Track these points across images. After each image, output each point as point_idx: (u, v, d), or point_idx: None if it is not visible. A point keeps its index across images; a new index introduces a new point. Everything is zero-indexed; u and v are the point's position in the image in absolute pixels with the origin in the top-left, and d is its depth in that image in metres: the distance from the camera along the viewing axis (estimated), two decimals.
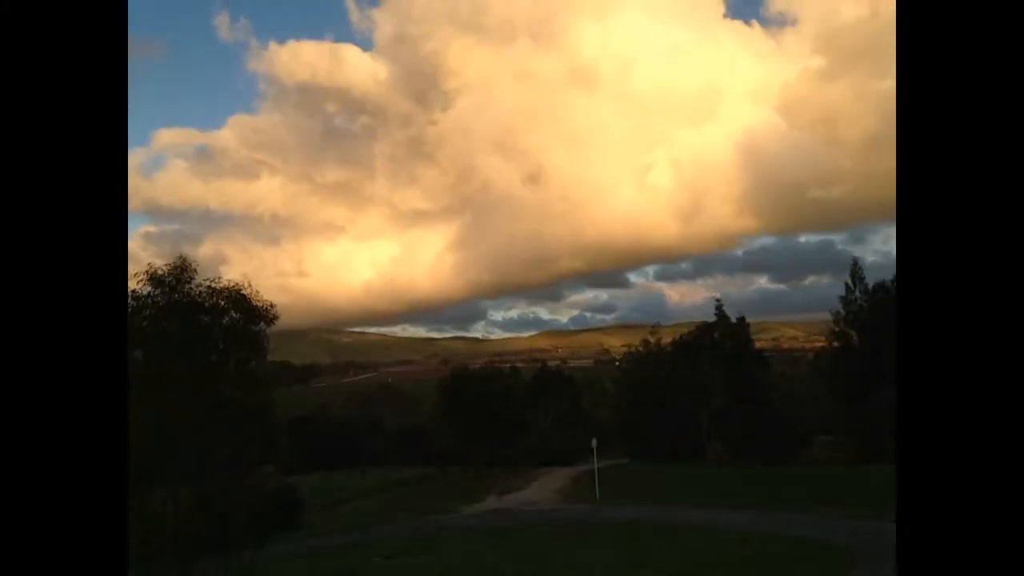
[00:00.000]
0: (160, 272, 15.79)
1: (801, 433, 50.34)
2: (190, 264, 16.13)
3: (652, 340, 61.89)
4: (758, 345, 61.85)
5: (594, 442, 37.89)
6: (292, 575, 20.64)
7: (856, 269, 48.16)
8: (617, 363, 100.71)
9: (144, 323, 15.52)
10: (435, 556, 21.65)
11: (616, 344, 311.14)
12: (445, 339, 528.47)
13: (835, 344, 49.55)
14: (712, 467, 47.34)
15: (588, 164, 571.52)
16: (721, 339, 54.83)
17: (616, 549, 20.86)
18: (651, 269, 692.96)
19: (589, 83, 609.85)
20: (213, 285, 16.26)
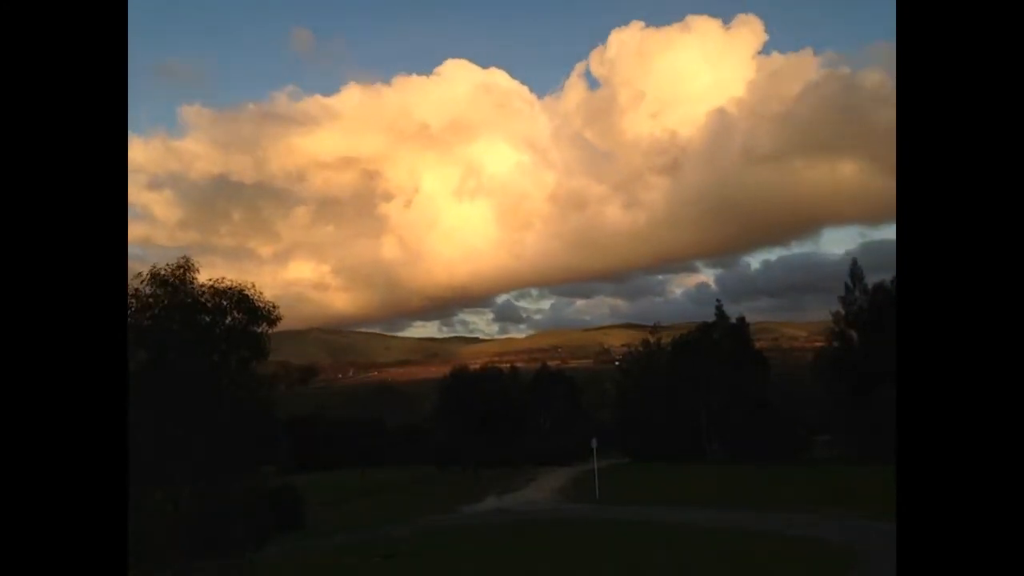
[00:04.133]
0: (163, 272, 15.77)
1: (801, 433, 50.38)
2: (193, 264, 16.12)
3: (652, 340, 61.99)
4: (758, 345, 61.96)
5: (594, 442, 37.90)
6: (292, 575, 20.62)
7: (856, 270, 48.16)
8: (617, 363, 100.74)
9: (147, 322, 15.51)
10: (435, 556, 21.64)
11: (616, 344, 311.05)
12: (445, 339, 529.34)
13: (835, 344, 49.54)
14: (712, 467, 47.34)
15: (424, 217, 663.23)
16: (721, 339, 54.90)
17: (616, 549, 20.86)
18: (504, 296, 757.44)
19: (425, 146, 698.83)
20: (216, 285, 16.25)
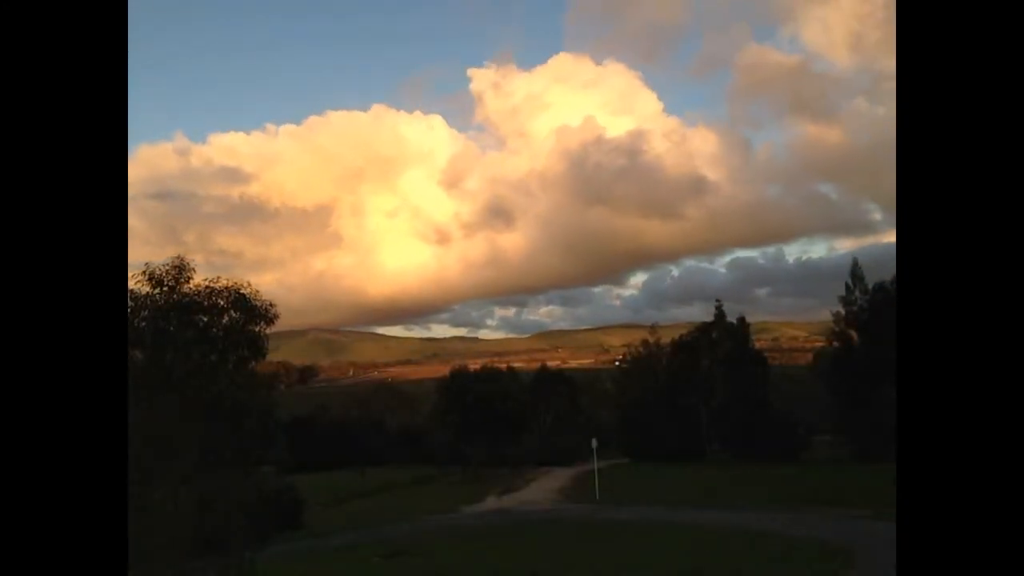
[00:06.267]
0: (159, 272, 15.75)
1: (801, 433, 50.43)
2: (188, 264, 16.09)
3: (652, 340, 62.03)
4: (758, 345, 61.95)
5: (594, 442, 37.89)
6: (292, 575, 20.61)
7: (856, 270, 48.18)
8: (617, 363, 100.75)
9: (143, 323, 15.50)
10: (435, 556, 21.63)
11: (616, 344, 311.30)
12: (445, 339, 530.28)
13: (835, 344, 49.56)
14: (712, 467, 47.34)
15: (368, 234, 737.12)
16: (721, 339, 54.91)
17: (616, 549, 20.85)
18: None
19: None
20: (212, 285, 16.23)
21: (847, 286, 48.14)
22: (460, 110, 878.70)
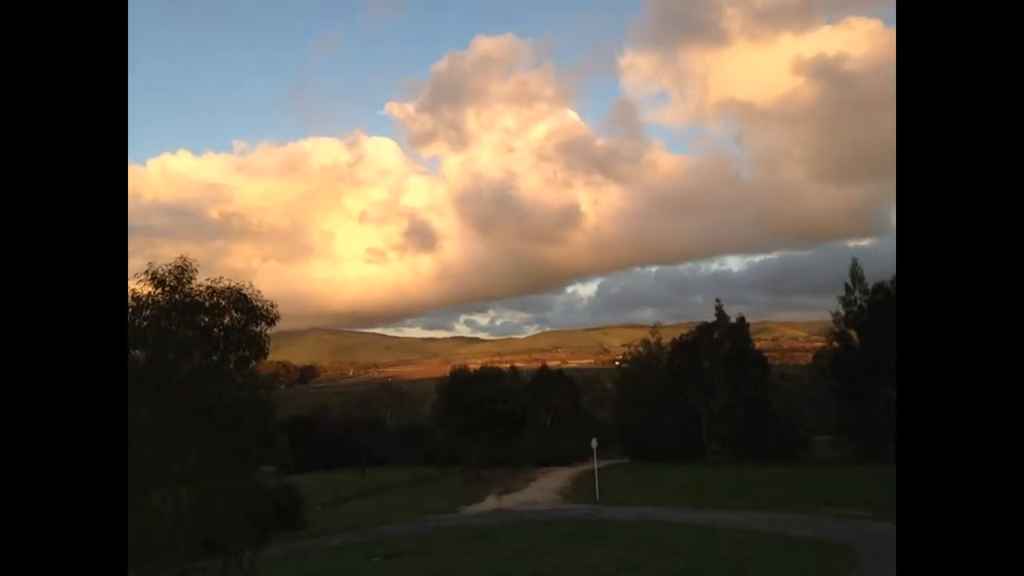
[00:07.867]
0: (161, 272, 15.76)
1: (801, 433, 50.40)
2: (191, 264, 16.10)
3: (652, 340, 62.02)
4: (758, 345, 61.85)
5: (594, 442, 37.87)
6: (292, 575, 20.63)
7: (856, 269, 48.14)
8: (617, 363, 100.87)
9: (144, 323, 15.49)
10: (435, 556, 21.63)
11: (616, 344, 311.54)
12: (445, 339, 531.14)
13: (835, 344, 49.52)
14: (712, 467, 47.34)
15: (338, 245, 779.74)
16: (721, 339, 54.86)
17: (616, 549, 20.85)
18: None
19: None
20: (214, 285, 16.23)
21: (847, 286, 48.10)
22: (387, 138, 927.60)
